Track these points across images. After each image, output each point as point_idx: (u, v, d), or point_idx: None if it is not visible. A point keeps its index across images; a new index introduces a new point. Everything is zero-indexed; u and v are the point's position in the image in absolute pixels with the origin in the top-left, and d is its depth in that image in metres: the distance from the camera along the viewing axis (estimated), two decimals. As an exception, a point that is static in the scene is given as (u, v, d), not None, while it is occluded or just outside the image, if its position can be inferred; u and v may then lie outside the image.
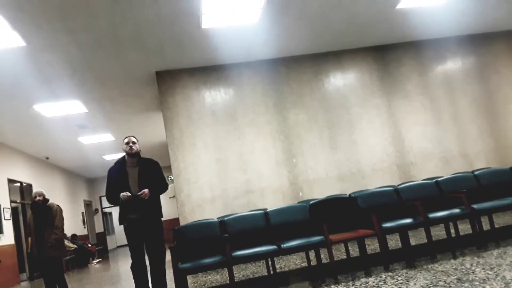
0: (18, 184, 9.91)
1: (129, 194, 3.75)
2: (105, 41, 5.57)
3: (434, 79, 7.68)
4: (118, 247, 19.69)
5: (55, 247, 5.24)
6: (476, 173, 4.90)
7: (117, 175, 3.94)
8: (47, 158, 11.52)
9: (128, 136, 4.03)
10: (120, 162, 4.02)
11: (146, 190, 3.79)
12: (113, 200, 3.90)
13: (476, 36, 7.97)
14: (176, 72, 6.96)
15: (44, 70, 6.04)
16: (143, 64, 6.52)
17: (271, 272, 4.47)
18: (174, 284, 4.15)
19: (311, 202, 4.60)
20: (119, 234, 20.40)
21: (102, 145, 11.12)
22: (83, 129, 9.30)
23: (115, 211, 20.46)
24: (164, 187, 4.01)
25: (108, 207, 17.92)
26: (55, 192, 11.81)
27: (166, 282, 3.87)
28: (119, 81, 6.99)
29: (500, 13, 7.22)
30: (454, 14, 6.85)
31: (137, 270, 3.84)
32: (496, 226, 5.12)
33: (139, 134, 10.55)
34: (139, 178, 3.88)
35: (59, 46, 5.45)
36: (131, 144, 3.96)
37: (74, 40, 5.37)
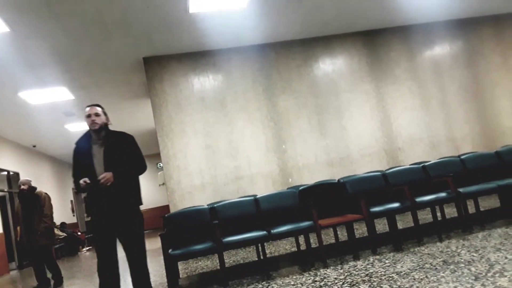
0: (5, 172, 9.78)
1: (87, 180, 2.98)
2: (91, 27, 5.46)
3: (423, 64, 7.72)
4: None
5: (45, 235, 5.23)
6: (462, 157, 4.97)
7: (80, 155, 3.20)
8: (34, 146, 11.36)
9: (90, 106, 3.22)
10: (84, 139, 3.22)
11: (107, 174, 3.00)
12: (78, 187, 3.09)
13: (464, 20, 8.00)
14: (164, 58, 6.87)
15: (29, 57, 5.91)
16: (130, 50, 6.42)
17: (261, 257, 4.52)
18: (165, 271, 4.18)
19: (300, 188, 4.64)
20: (109, 221, 20.35)
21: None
22: (70, 117, 9.17)
23: (104, 199, 20.35)
24: (139, 167, 3.22)
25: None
26: (43, 180, 11.69)
27: (150, 282, 3.19)
28: (106, 67, 6.88)
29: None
30: (443, -1, 6.85)
31: (105, 275, 3.05)
32: (481, 209, 5.23)
33: (128, 121, 10.50)
34: (104, 158, 3.10)
35: (44, 33, 5.32)
36: (93, 118, 3.14)
37: (59, 26, 5.25)
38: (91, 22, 5.32)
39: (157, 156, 6.70)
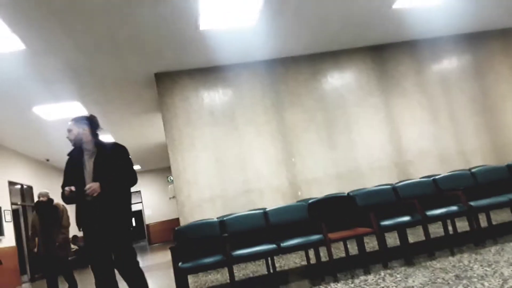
0: (19, 186, 9.94)
1: (72, 188, 2.96)
2: (104, 44, 5.61)
3: (431, 77, 7.73)
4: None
5: (63, 246, 5.29)
6: (473, 170, 4.94)
7: (71, 166, 3.22)
8: (48, 160, 11.54)
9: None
10: (76, 151, 3.25)
11: (93, 184, 2.98)
12: (64, 197, 3.08)
13: (472, 35, 8.02)
14: (175, 74, 7.00)
15: (43, 73, 6.07)
16: (142, 66, 6.55)
17: (271, 271, 4.51)
18: (175, 284, 4.18)
19: (310, 201, 4.64)
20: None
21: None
22: (83, 131, 9.30)
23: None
24: (130, 179, 3.18)
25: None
26: (55, 193, 11.81)
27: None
28: (118, 83, 7.02)
29: (495, 12, 7.27)
30: (450, 14, 6.89)
31: None
32: (494, 223, 5.16)
33: (139, 135, 10.64)
34: (93, 169, 3.11)
35: (58, 49, 5.48)
36: (67, 134, 3.21)
37: (73, 43, 5.40)
38: (104, 39, 5.47)
39: (167, 170, 6.77)
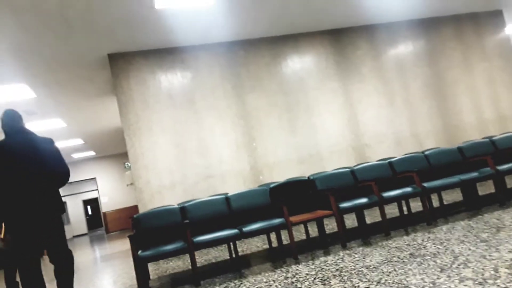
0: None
1: None
2: (53, 23, 5.24)
3: (387, 62, 7.92)
4: (74, 236, 19.15)
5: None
6: (426, 153, 5.14)
7: None
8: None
9: None
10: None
11: None
12: None
13: (426, 20, 8.28)
14: (130, 55, 6.70)
15: (-16, 53, 5.61)
16: (94, 46, 6.21)
17: (234, 256, 4.51)
18: (134, 273, 4.08)
19: (271, 186, 4.65)
20: (75, 223, 19.80)
21: (53, 132, 10.59)
22: (32, 115, 8.79)
23: (69, 200, 19.75)
24: None
25: (62, 196, 17.24)
26: None
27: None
28: (69, 64, 6.63)
29: (448, -2, 7.52)
30: (406, -1, 7.04)
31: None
32: (445, 203, 5.44)
33: (93, 119, 10.18)
34: None
35: (3, 28, 5.06)
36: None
37: (19, 21, 5.00)
38: (53, 17, 5.10)
39: (124, 156, 6.53)
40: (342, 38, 7.74)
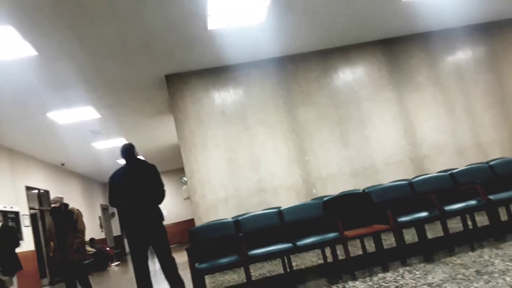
0: (36, 191, 10.08)
1: None
2: (114, 48, 5.64)
3: (445, 70, 7.59)
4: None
5: (79, 250, 5.35)
6: (491, 163, 4.84)
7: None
8: (63, 164, 11.69)
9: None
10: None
11: None
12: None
13: (485, 24, 7.85)
14: (185, 75, 7.01)
15: (56, 78, 6.13)
16: (152, 68, 6.58)
17: (288, 270, 4.48)
18: (192, 285, 4.19)
19: (324, 199, 4.60)
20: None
21: (116, 150, 11.23)
22: (97, 135, 9.41)
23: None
24: None
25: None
26: (72, 197, 11.98)
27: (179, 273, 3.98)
28: (129, 86, 7.07)
29: (508, 0, 7.10)
30: (462, 4, 6.75)
31: (141, 277, 4.05)
32: (514, 216, 5.04)
33: (151, 137, 10.70)
34: None
35: (69, 54, 5.53)
36: None
37: (83, 48, 5.45)
38: (113, 43, 5.50)
39: (181, 171, 6.78)
40: (394, 47, 7.55)
